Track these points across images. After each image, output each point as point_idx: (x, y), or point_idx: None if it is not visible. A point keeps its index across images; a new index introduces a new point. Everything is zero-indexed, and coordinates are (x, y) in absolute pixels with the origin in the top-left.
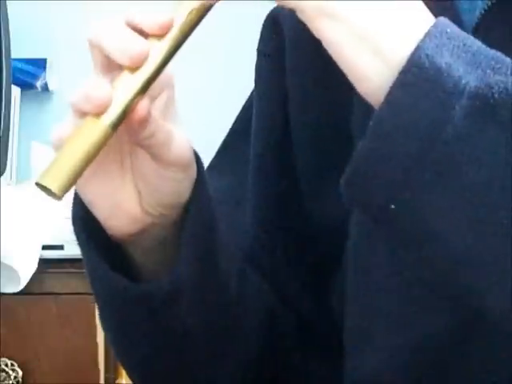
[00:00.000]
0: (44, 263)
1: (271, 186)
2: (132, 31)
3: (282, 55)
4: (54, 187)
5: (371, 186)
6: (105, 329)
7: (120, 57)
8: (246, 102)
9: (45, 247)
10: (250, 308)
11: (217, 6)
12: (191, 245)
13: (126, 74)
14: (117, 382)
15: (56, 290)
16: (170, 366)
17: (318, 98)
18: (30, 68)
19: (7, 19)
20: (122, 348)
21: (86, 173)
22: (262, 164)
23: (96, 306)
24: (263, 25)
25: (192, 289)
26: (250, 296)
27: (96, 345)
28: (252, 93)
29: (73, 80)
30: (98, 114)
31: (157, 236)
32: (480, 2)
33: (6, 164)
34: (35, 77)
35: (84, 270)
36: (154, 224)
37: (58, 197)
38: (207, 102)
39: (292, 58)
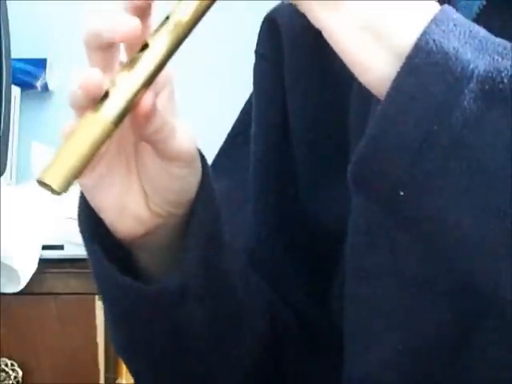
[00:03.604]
0: (44, 263)
1: (271, 188)
2: (123, 12)
3: (280, 57)
4: (55, 184)
5: (379, 171)
6: (112, 331)
7: (110, 32)
8: (245, 104)
9: (45, 247)
10: (253, 308)
11: (215, 7)
12: (198, 242)
13: (127, 69)
14: (117, 381)
15: (56, 290)
16: (175, 364)
17: (315, 100)
18: (30, 68)
19: (7, 19)
20: (130, 349)
21: (92, 176)
22: (261, 167)
23: (96, 306)
24: (261, 27)
25: (199, 285)
26: (252, 296)
27: (96, 345)
28: (251, 95)
29: (73, 80)
30: (98, 109)
31: (163, 238)
32: (476, 1)
33: (5, 164)
34: (35, 77)
35: (84, 270)
36: (160, 225)
37: (59, 193)
38: (205, 104)
39: (290, 59)
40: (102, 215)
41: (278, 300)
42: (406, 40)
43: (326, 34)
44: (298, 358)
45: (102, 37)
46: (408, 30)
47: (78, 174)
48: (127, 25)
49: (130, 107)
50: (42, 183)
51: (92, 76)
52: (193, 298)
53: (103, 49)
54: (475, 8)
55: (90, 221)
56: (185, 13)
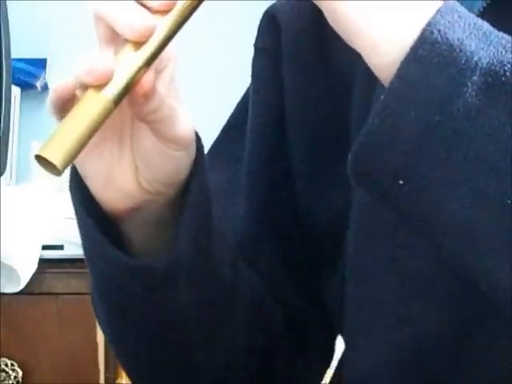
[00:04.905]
0: (44, 263)
1: (264, 185)
2: (138, 5)
3: (279, 52)
4: (56, 160)
5: (380, 159)
6: (98, 311)
7: (125, 31)
8: (242, 97)
9: (45, 247)
10: (241, 299)
11: (216, 2)
12: (191, 224)
13: (129, 48)
14: (117, 382)
15: (56, 290)
16: (161, 350)
17: (314, 95)
18: (30, 68)
19: (7, 19)
20: (116, 329)
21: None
22: (255, 163)
23: None
24: (261, 21)
25: (188, 268)
26: (241, 287)
27: (96, 345)
28: (248, 89)
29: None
30: (100, 87)
31: (152, 214)
32: (478, 2)
33: (5, 164)
34: (35, 77)
35: (84, 270)
36: (149, 201)
37: (58, 171)
38: (203, 97)
39: (289, 54)
40: (88, 182)
41: (268, 297)
42: (412, 30)
43: (333, 16)
44: (286, 356)
45: (115, 31)
46: (415, 20)
47: (77, 151)
48: (142, 24)
49: (131, 86)
50: (41, 159)
51: (103, 59)
52: (181, 278)
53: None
54: (476, 9)
55: (82, 193)
56: None
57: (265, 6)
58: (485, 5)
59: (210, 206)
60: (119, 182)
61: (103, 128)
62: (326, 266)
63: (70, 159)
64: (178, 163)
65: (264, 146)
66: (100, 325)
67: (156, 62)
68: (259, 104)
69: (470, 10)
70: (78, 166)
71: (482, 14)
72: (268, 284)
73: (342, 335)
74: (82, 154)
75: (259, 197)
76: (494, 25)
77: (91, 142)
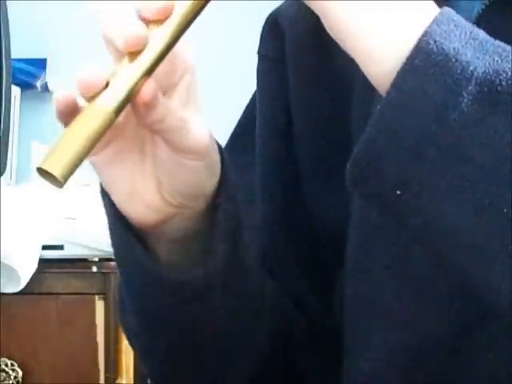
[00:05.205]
0: (44, 263)
1: (277, 186)
2: (131, 16)
3: (282, 58)
4: (57, 173)
5: (377, 169)
6: (130, 321)
7: (117, 42)
8: (249, 103)
9: (45, 247)
10: (267, 307)
11: (219, 7)
12: (225, 239)
13: (127, 59)
14: (117, 381)
15: (56, 290)
16: (191, 358)
17: (316, 98)
18: (30, 68)
19: (7, 19)
20: (147, 340)
21: (105, 157)
22: (267, 168)
23: (96, 306)
24: (263, 27)
25: (223, 282)
26: (266, 295)
27: (96, 345)
28: (254, 94)
29: (73, 80)
30: (98, 98)
31: (180, 227)
32: (477, 2)
33: (5, 164)
34: (35, 77)
35: (84, 270)
36: (175, 215)
37: (60, 183)
38: (209, 105)
39: (293, 60)
40: (112, 195)
41: (283, 297)
42: (407, 40)
43: (330, 26)
44: (302, 358)
45: (115, 44)
46: (411, 29)
47: (79, 162)
48: (132, 33)
49: (130, 96)
50: (42, 172)
51: (91, 74)
52: (216, 290)
53: None
54: (475, 10)
55: (112, 207)
56: (185, 4)
57: (269, 10)
58: (484, 6)
59: (240, 217)
60: (142, 196)
61: (123, 140)
62: (330, 267)
63: (72, 171)
64: (197, 174)
65: (273, 153)
66: (129, 340)
67: (168, 74)
68: (265, 112)
69: (470, 10)
70: (100, 178)
71: (482, 15)
72: (282, 284)
73: (343, 335)
74: (103, 166)
75: (272, 198)
76: (493, 26)
77: (110, 153)
